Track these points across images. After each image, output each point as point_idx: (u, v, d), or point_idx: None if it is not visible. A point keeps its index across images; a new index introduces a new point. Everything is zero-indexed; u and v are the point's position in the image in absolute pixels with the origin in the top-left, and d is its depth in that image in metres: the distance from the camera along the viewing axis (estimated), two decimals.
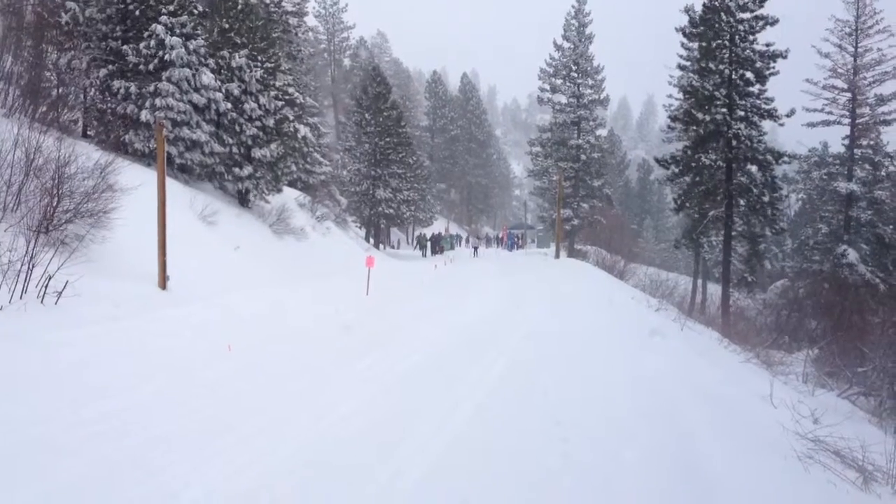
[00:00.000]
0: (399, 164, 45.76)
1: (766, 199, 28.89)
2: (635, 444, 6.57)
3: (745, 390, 9.52)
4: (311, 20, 62.45)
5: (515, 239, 58.23)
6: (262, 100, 23.24)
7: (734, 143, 29.22)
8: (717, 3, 29.88)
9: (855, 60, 35.88)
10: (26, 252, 9.54)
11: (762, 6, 29.64)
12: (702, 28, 31.08)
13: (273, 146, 23.49)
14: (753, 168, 28.56)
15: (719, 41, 29.91)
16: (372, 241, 45.87)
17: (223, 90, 22.08)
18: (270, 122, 23.55)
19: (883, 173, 36.25)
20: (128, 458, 5.80)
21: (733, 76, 29.46)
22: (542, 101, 51.00)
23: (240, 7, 23.96)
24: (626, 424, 7.20)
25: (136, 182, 13.89)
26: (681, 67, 38.40)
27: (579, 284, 21.59)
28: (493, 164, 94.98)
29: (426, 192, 56.46)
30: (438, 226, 64.75)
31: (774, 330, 25.41)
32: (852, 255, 34.03)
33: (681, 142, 35.07)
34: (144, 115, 19.96)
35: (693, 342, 13.51)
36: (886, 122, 35.79)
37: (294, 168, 31.01)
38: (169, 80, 20.10)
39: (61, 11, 19.89)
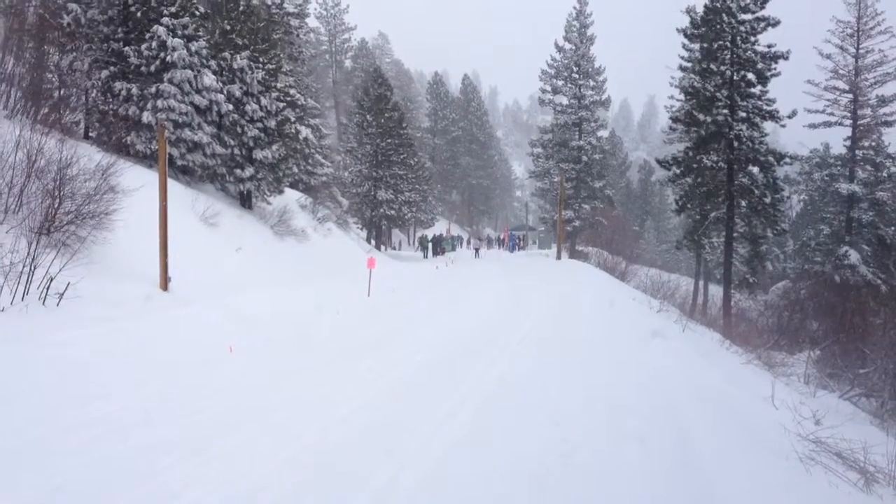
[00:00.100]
0: (400, 166, 45.75)
1: (767, 200, 28.88)
2: (636, 445, 6.56)
3: (746, 391, 9.52)
4: (312, 21, 62.64)
5: (517, 240, 58.19)
6: (264, 101, 23.25)
7: (736, 144, 29.20)
8: (718, 4, 29.87)
9: (856, 61, 35.87)
10: (28, 254, 9.56)
11: (763, 7, 29.64)
12: (703, 29, 31.06)
13: (274, 147, 23.50)
14: (755, 169, 28.55)
15: (721, 42, 29.90)
16: (373, 242, 45.87)
17: (225, 92, 22.10)
18: (272, 123, 23.56)
19: (884, 174, 36.23)
20: (129, 459, 5.81)
21: (735, 77, 29.43)
22: (544, 102, 51.02)
23: (241, 8, 23.97)
24: (626, 425, 7.19)
25: (137, 183, 13.91)
26: (682, 69, 38.40)
27: (580, 286, 21.57)
28: (494, 166, 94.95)
29: (427, 194, 56.42)
30: (440, 227, 64.70)
31: (776, 331, 25.37)
32: (854, 257, 34.02)
33: (682, 143, 35.03)
34: (146, 117, 19.98)
35: (694, 343, 13.50)
36: (888, 124, 35.78)
37: (295, 169, 30.98)
38: (170, 81, 20.12)
39: (63, 13, 19.95)
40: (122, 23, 20.91)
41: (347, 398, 8.08)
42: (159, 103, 19.92)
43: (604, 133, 55.99)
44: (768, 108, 29.50)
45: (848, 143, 36.89)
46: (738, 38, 29.60)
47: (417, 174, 49.59)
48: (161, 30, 20.10)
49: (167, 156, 14.02)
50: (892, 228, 35.30)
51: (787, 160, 31.65)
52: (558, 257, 35.40)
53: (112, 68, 20.69)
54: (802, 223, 56.57)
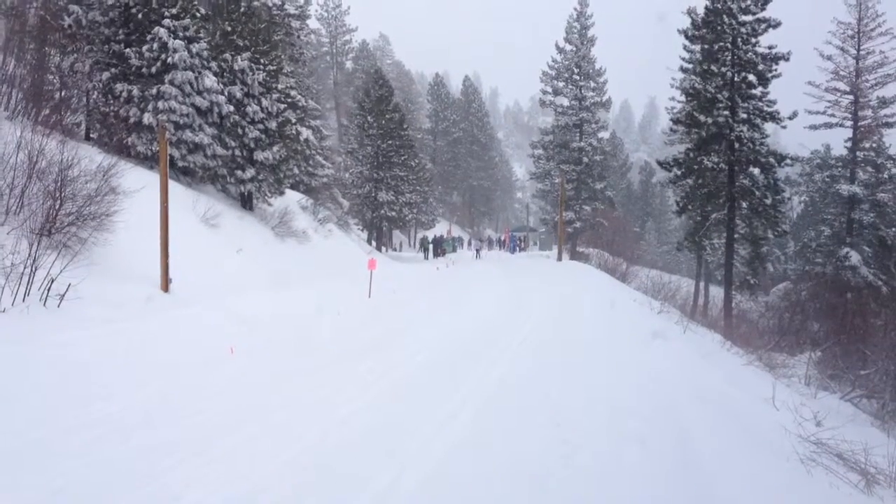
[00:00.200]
0: (401, 167, 45.76)
1: (768, 201, 28.88)
2: (637, 447, 6.56)
3: (747, 393, 9.52)
4: (313, 23, 62.55)
5: (518, 241, 58.21)
6: (265, 102, 23.26)
7: (736, 145, 29.22)
8: (719, 5, 29.89)
9: (857, 63, 35.86)
10: (29, 255, 9.57)
11: (764, 9, 29.67)
12: (704, 30, 31.07)
13: (275, 149, 23.51)
14: (756, 170, 28.54)
15: (721, 44, 29.93)
16: (374, 243, 45.87)
17: (226, 93, 22.10)
18: (273, 124, 23.56)
19: (885, 176, 36.23)
20: (130, 461, 5.81)
21: (735, 78, 29.44)
22: (544, 103, 51.03)
23: (242, 10, 23.99)
24: (627, 426, 7.19)
25: (138, 185, 13.92)
26: (683, 70, 38.38)
27: (581, 287, 21.58)
28: (495, 167, 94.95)
29: (428, 195, 56.42)
30: (440, 228, 64.74)
31: (777, 332, 25.34)
32: (855, 258, 34.01)
33: (683, 144, 35.02)
34: (147, 118, 19.98)
35: (695, 344, 13.50)
36: (889, 125, 35.76)
37: (296, 171, 30.97)
38: (171, 83, 20.12)
39: (64, 15, 19.96)
40: (123, 24, 20.91)
41: (348, 399, 8.08)
42: (160, 105, 19.92)
43: (604, 134, 56.00)
44: (769, 110, 29.53)
45: (849, 144, 36.88)
46: (739, 39, 29.63)
47: (418, 175, 49.59)
48: (162, 31, 20.11)
49: (168, 157, 14.02)
50: (893, 230, 35.30)
51: (788, 161, 31.67)
52: (559, 258, 35.40)
53: (113, 70, 20.69)
54: (803, 224, 56.59)
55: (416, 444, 6.49)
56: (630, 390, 8.79)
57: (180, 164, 20.95)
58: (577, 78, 48.93)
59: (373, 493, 5.38)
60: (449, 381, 9.10)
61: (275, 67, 24.28)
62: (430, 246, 47.31)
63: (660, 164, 34.80)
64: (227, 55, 22.80)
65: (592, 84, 49.32)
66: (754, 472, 6.08)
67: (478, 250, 49.35)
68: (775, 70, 29.63)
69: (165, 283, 13.01)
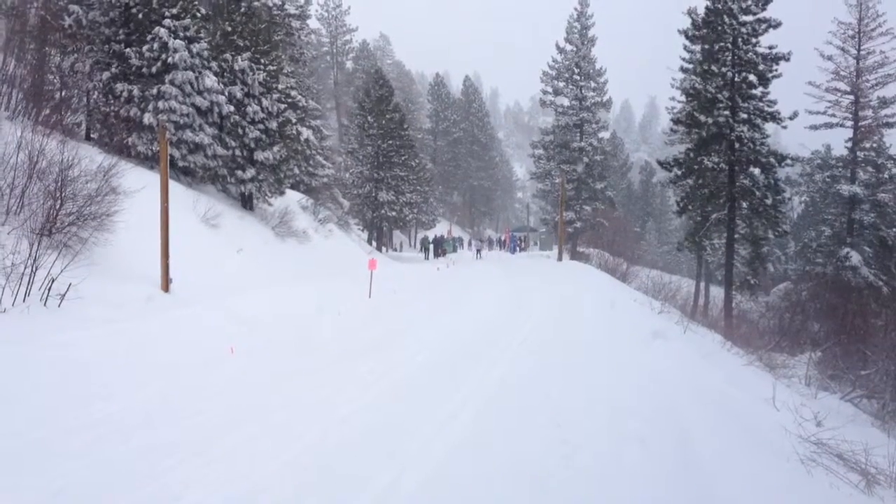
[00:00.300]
0: (401, 167, 45.77)
1: (768, 201, 28.87)
2: (636, 447, 6.56)
3: (747, 393, 9.51)
4: (313, 23, 62.60)
5: (518, 241, 58.22)
6: (265, 102, 23.27)
7: (737, 145, 29.20)
8: (719, 5, 29.88)
9: (857, 63, 35.84)
10: (29, 255, 9.57)
11: (765, 9, 29.66)
12: (704, 31, 31.07)
13: (276, 149, 23.52)
14: (756, 171, 28.53)
15: (722, 44, 29.93)
16: (374, 243, 45.89)
17: (226, 93, 22.12)
18: (273, 124, 23.57)
19: (886, 176, 36.20)
20: (130, 461, 5.82)
21: (736, 79, 29.44)
22: (545, 103, 51.02)
23: (243, 10, 24.01)
24: (627, 427, 7.18)
25: (139, 185, 13.93)
26: (683, 70, 38.37)
27: (582, 287, 21.56)
28: (495, 167, 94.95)
29: (429, 195, 56.45)
30: (441, 228, 64.75)
31: (777, 333, 25.34)
32: (855, 258, 33.99)
33: (683, 144, 35.01)
34: (147, 118, 20.00)
35: (696, 345, 13.49)
36: (889, 125, 35.73)
37: (296, 171, 30.99)
38: (172, 82, 20.13)
39: (64, 14, 19.96)
40: (124, 24, 20.92)
41: (348, 399, 8.08)
42: (160, 105, 19.93)
43: (605, 134, 56.03)
44: (769, 110, 29.51)
45: (849, 144, 36.85)
46: (740, 39, 29.63)
47: (418, 175, 49.61)
48: (162, 31, 20.12)
49: (168, 157, 14.02)
50: (894, 230, 35.27)
51: (789, 161, 31.65)
52: (559, 259, 35.38)
53: (113, 70, 20.70)
54: (804, 225, 56.59)
55: (416, 445, 6.49)
56: (630, 390, 8.78)
57: (181, 164, 20.97)
58: (578, 78, 48.93)
59: (373, 493, 5.39)
60: (449, 382, 9.09)
61: (275, 67, 24.29)
62: (431, 246, 47.34)
63: (660, 164, 34.80)
64: (228, 55, 22.82)
65: (593, 84, 49.33)
66: (755, 473, 6.08)
67: (478, 250, 49.35)
68: (776, 70, 29.62)
69: (166, 283, 13.01)
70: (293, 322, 13.88)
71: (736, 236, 30.93)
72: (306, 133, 28.54)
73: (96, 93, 20.25)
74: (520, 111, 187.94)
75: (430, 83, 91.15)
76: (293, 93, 26.91)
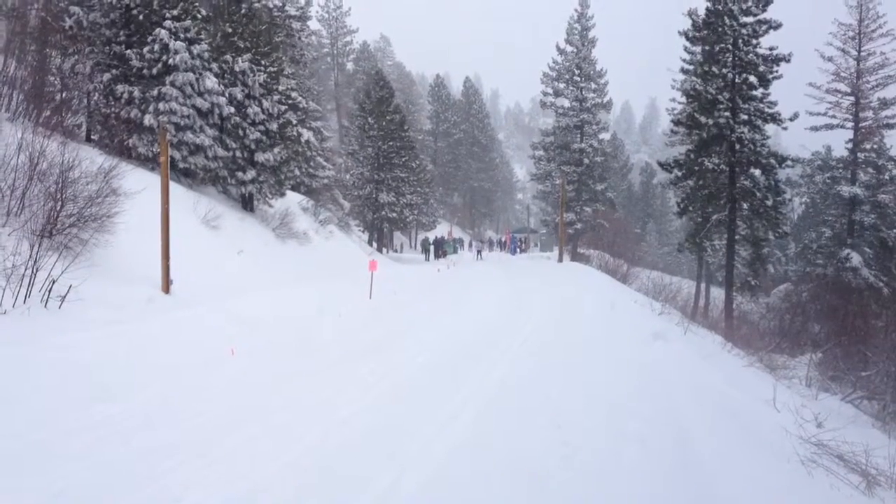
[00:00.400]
0: (402, 168, 45.79)
1: (769, 202, 28.87)
2: (637, 448, 6.56)
3: (748, 394, 9.51)
4: (314, 24, 62.70)
5: (519, 243, 58.23)
6: (266, 104, 23.28)
7: (737, 146, 29.21)
8: (720, 6, 29.88)
9: (858, 64, 35.85)
10: (30, 256, 9.58)
11: (765, 10, 29.67)
12: (705, 32, 31.07)
13: (276, 150, 23.53)
14: (757, 172, 28.53)
15: (722, 45, 29.93)
16: (375, 244, 45.90)
17: (226, 94, 22.12)
18: (273, 126, 23.58)
19: (886, 177, 36.21)
20: (130, 463, 5.82)
21: (736, 80, 29.45)
22: (545, 105, 51.05)
23: (243, 11, 24.02)
24: (627, 428, 7.18)
25: (139, 186, 13.94)
26: (684, 71, 38.40)
27: (582, 288, 21.56)
28: (496, 168, 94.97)
29: (429, 196, 56.49)
30: (441, 230, 64.79)
31: (778, 334, 25.36)
32: (856, 259, 33.99)
33: (684, 145, 35.04)
34: (148, 120, 20.00)
35: (696, 346, 13.49)
36: (889, 126, 35.74)
37: (297, 172, 31.03)
38: (172, 84, 20.14)
39: (65, 16, 19.97)
40: (124, 26, 20.93)
41: (349, 401, 8.08)
42: (161, 106, 19.94)
43: (605, 135, 56.04)
44: (770, 111, 29.52)
45: (849, 145, 36.87)
46: (740, 40, 29.63)
47: (419, 177, 49.64)
48: (163, 33, 20.13)
49: (169, 158, 14.03)
50: (894, 231, 35.26)
51: (789, 163, 31.65)
52: (560, 260, 35.38)
53: (114, 71, 20.71)
54: (804, 226, 56.54)
55: (416, 446, 6.49)
56: (631, 391, 8.78)
57: (181, 165, 20.97)
58: (578, 79, 48.95)
59: (373, 494, 5.39)
60: (450, 383, 9.09)
61: (275, 69, 24.31)
62: (431, 247, 47.37)
63: (660, 165, 34.79)
64: (228, 57, 22.83)
65: (593, 85, 49.35)
66: (755, 474, 6.08)
67: (479, 251, 49.38)
68: (776, 71, 29.62)
69: (166, 285, 13.02)
70: (294, 323, 13.88)
71: (736, 237, 30.92)
72: (307, 134, 28.55)
73: (97, 94, 20.25)
74: (520, 112, 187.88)
75: (431, 84, 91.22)
76: (294, 94, 26.94)
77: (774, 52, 29.52)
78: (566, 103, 49.23)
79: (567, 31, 49.69)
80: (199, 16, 21.97)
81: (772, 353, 16.74)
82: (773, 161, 29.32)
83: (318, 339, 12.95)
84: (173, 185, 15.80)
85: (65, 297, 9.75)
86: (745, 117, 29.19)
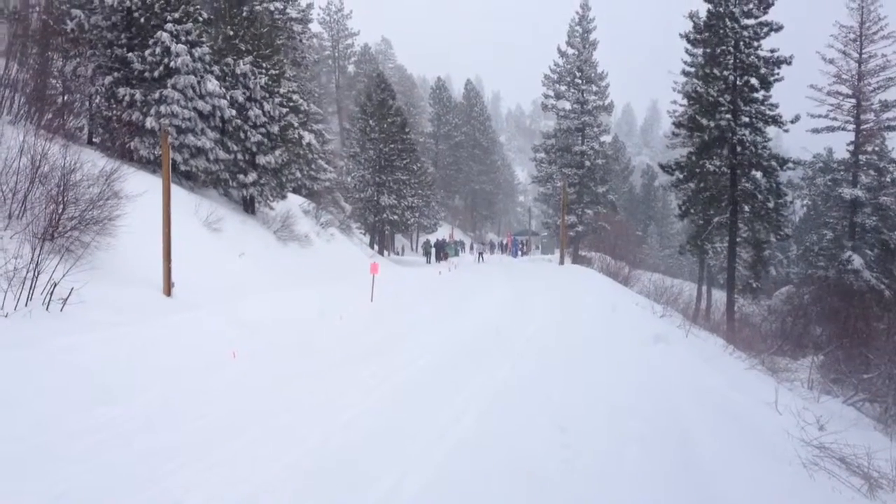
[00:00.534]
0: (403, 171, 45.79)
1: (770, 205, 28.88)
2: (638, 450, 6.55)
3: (749, 397, 9.49)
4: (315, 27, 62.65)
5: (520, 245, 58.25)
6: (267, 106, 23.29)
7: (739, 149, 29.23)
8: (721, 9, 29.92)
9: (859, 66, 35.88)
10: (32, 259, 9.58)
11: (766, 12, 29.70)
12: (706, 34, 31.11)
13: (277, 153, 23.54)
14: (758, 174, 28.54)
15: (724, 47, 29.96)
16: (376, 247, 45.91)
17: (228, 97, 22.14)
18: (275, 128, 23.59)
19: (888, 179, 36.24)
20: (131, 465, 5.82)
21: (738, 82, 29.48)
22: (546, 107, 51.15)
23: (244, 14, 24.03)
24: (629, 430, 7.17)
25: (141, 189, 13.95)
26: (685, 73, 38.43)
27: (584, 291, 21.56)
28: (497, 171, 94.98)
29: (430, 199, 56.47)
30: (443, 232, 64.78)
31: (779, 336, 25.32)
32: (857, 261, 33.98)
33: (685, 148, 35.07)
34: (149, 122, 20.01)
35: (697, 348, 13.47)
36: (891, 128, 35.78)
37: (298, 174, 31.02)
38: (174, 87, 20.16)
39: (67, 19, 19.98)
40: (126, 28, 20.95)
41: (350, 403, 8.08)
42: (163, 109, 19.96)
43: (606, 138, 56.09)
44: (771, 113, 29.54)
45: (851, 147, 36.88)
46: (742, 42, 29.65)
47: (420, 179, 49.64)
48: (165, 35, 20.14)
49: (170, 161, 14.04)
50: None
51: (791, 165, 31.66)
52: (561, 262, 35.38)
53: (116, 74, 20.71)
54: (806, 228, 56.55)
55: (418, 448, 6.49)
56: (632, 393, 8.77)
57: (183, 168, 20.99)
58: (579, 82, 49.03)
59: (375, 497, 5.38)
60: (451, 385, 9.09)
61: (277, 71, 24.33)
62: (433, 250, 47.42)
63: (662, 167, 34.81)
64: (230, 59, 22.84)
65: (594, 88, 49.43)
66: (757, 477, 6.07)
67: (480, 254, 49.44)
68: (777, 74, 29.66)
69: (168, 288, 13.02)
70: (295, 326, 13.88)
71: (738, 240, 30.93)
72: (308, 137, 28.57)
73: (98, 97, 20.26)
74: (521, 115, 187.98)
75: (432, 87, 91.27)
76: (295, 97, 26.93)
77: (776, 55, 29.56)
78: (567, 106, 49.30)
79: (568, 34, 49.79)
80: (200, 19, 21.98)
81: (774, 356, 16.74)
82: (774, 163, 29.33)
83: (319, 341, 12.95)
84: (175, 188, 15.81)
85: (66, 299, 9.75)
86: (747, 119, 29.21)
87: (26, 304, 9.29)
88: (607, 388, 8.98)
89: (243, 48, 23.44)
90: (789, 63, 29.30)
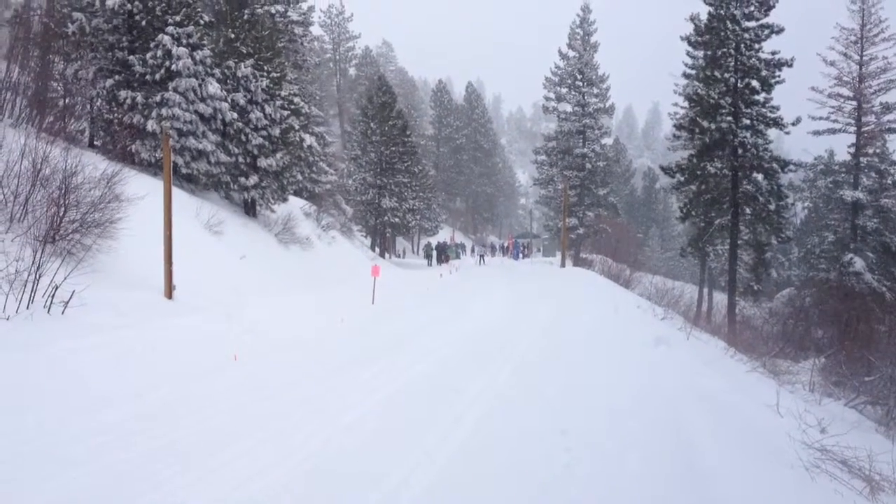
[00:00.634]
0: (404, 173, 45.77)
1: (771, 207, 28.88)
2: (639, 453, 6.55)
3: (751, 399, 9.48)
4: (316, 30, 62.79)
5: (521, 248, 58.23)
6: (268, 109, 23.30)
7: (740, 151, 29.24)
8: (722, 11, 29.94)
9: (860, 68, 35.83)
10: (33, 262, 9.58)
11: (767, 15, 29.70)
12: (707, 36, 31.13)
13: (279, 155, 23.55)
14: (759, 176, 28.54)
15: (725, 49, 29.96)
16: (377, 249, 45.91)
17: (229, 100, 22.15)
18: (276, 131, 23.60)
19: (889, 181, 36.16)
20: (133, 468, 5.81)
21: (739, 84, 29.49)
22: (548, 109, 51.12)
23: (246, 17, 24.05)
24: (630, 433, 7.18)
25: (142, 192, 13.94)
26: (686, 76, 38.42)
27: (585, 293, 21.57)
28: (498, 173, 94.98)
29: (431, 201, 56.44)
30: (444, 235, 64.77)
31: (781, 339, 25.30)
32: (858, 264, 33.93)
33: (686, 150, 35.08)
34: (151, 125, 20.03)
35: (699, 351, 13.47)
36: (892, 130, 35.72)
37: (299, 177, 31.03)
38: (175, 89, 20.18)
39: (68, 22, 20.02)
40: (127, 31, 20.99)
41: (352, 406, 8.08)
42: (164, 112, 19.97)
43: (607, 140, 56.13)
44: (772, 116, 29.53)
45: (852, 150, 36.83)
46: (742, 45, 29.67)
47: (421, 182, 49.62)
48: (166, 38, 20.17)
49: (172, 164, 14.04)
50: None
51: (792, 167, 31.67)
52: (562, 265, 35.38)
53: (117, 77, 20.75)
54: (807, 230, 56.48)
55: (419, 451, 6.49)
56: (633, 396, 8.78)
57: (184, 170, 20.99)
58: (580, 84, 49.01)
59: (377, 500, 5.38)
60: (453, 388, 9.09)
61: (278, 74, 24.34)
62: (434, 252, 47.44)
63: (663, 169, 34.79)
64: (231, 62, 22.86)
65: (595, 90, 49.43)
66: (758, 479, 6.06)
67: (481, 256, 49.42)
68: (778, 76, 29.65)
69: (169, 290, 13.02)
70: (296, 328, 13.88)
71: (739, 242, 30.92)
72: (309, 140, 28.62)
73: (100, 100, 20.30)
74: (522, 117, 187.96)
75: (433, 90, 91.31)
76: (296, 99, 26.96)
77: (776, 57, 29.55)
78: (568, 108, 49.28)
79: (569, 36, 49.82)
80: (201, 21, 22.02)
81: (775, 358, 16.74)
82: (775, 165, 29.33)
83: (320, 344, 12.96)
84: (176, 191, 15.81)
85: (67, 302, 9.76)
86: (748, 122, 29.23)
87: (28, 307, 9.29)
88: (608, 391, 8.99)
89: (244, 51, 23.46)
90: (790, 65, 29.31)
